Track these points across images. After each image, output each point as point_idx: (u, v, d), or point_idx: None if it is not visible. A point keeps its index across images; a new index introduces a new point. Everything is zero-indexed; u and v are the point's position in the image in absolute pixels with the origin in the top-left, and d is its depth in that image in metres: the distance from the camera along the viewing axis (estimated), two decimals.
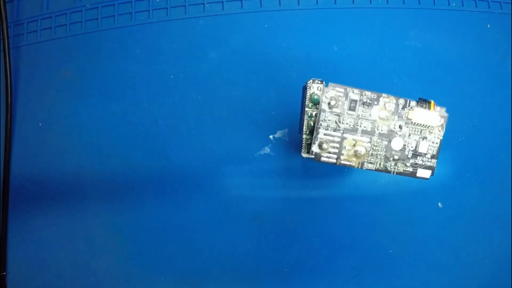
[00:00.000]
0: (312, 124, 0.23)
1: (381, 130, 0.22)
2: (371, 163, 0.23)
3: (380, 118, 0.22)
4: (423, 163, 0.23)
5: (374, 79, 0.32)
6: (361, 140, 0.22)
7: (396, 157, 0.23)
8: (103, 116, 0.32)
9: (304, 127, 0.23)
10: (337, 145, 0.22)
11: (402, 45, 0.33)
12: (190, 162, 0.32)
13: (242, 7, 0.33)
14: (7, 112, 0.32)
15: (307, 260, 0.31)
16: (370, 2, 0.34)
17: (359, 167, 0.23)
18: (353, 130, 0.22)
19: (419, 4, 0.34)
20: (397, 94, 0.22)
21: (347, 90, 0.22)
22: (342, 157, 0.22)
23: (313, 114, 0.23)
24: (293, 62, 0.32)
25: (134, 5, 0.34)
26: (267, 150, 0.32)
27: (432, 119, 0.22)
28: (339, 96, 0.22)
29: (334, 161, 0.22)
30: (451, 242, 0.31)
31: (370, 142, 0.22)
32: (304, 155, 0.23)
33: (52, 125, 0.33)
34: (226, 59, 0.33)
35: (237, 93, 0.32)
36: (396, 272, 0.31)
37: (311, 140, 0.22)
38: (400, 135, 0.22)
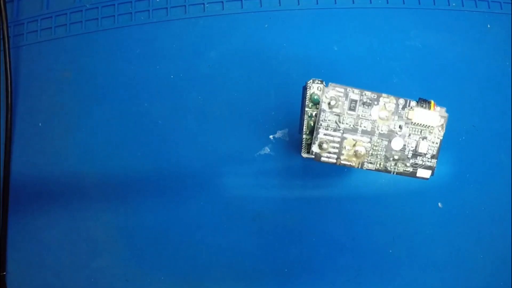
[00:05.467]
0: (312, 124, 0.23)
1: (381, 130, 0.22)
2: (371, 163, 0.23)
3: (380, 118, 0.22)
4: (423, 163, 0.23)
5: (374, 79, 0.32)
6: (361, 140, 0.22)
7: (396, 157, 0.23)
8: (103, 116, 0.32)
9: (304, 127, 0.23)
10: (337, 145, 0.22)
11: (402, 45, 0.33)
12: (190, 162, 0.32)
13: (242, 7, 0.33)
14: (7, 112, 0.32)
15: (307, 260, 0.31)
16: (370, 2, 0.34)
17: (359, 167, 0.22)
18: (353, 130, 0.22)
19: (419, 4, 0.34)
20: (397, 94, 0.22)
21: (347, 90, 0.22)
22: (342, 157, 0.22)
23: (313, 114, 0.23)
24: (293, 62, 0.32)
25: (134, 5, 0.34)
26: (267, 150, 0.32)
27: (432, 119, 0.22)
28: (339, 96, 0.22)
29: (334, 161, 0.22)
30: (451, 242, 0.31)
31: (370, 142, 0.22)
32: (304, 155, 0.23)
33: (52, 125, 0.33)
34: (226, 59, 0.33)
35: (237, 93, 0.32)
36: (396, 272, 0.31)
37: (311, 140, 0.22)
38: (400, 135, 0.22)
